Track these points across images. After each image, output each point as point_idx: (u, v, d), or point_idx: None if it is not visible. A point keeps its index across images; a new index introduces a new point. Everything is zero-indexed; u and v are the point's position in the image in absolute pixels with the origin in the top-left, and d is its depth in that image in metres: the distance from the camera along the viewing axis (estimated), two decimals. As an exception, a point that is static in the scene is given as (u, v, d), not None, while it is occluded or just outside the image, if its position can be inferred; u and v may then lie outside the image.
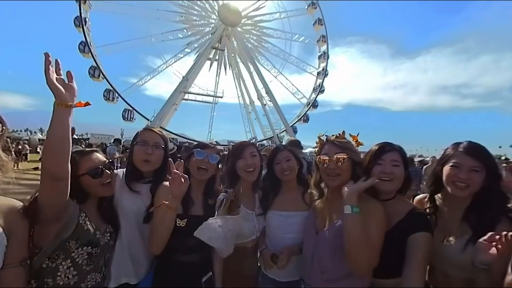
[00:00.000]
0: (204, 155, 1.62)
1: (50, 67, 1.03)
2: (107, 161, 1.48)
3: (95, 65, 20.30)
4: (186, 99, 26.78)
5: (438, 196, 1.44)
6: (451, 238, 1.30)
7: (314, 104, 26.00)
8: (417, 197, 1.64)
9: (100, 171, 1.40)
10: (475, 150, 1.29)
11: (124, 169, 1.66)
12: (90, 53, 20.00)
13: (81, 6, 19.63)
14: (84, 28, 19.76)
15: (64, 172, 1.08)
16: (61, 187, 1.11)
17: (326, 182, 1.48)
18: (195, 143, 2.19)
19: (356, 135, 1.52)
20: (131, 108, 21.30)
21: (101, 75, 20.40)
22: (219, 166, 1.73)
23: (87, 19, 20.40)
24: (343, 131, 1.51)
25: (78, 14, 19.72)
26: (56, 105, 1.04)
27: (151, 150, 1.58)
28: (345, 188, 1.31)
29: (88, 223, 1.33)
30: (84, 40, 19.91)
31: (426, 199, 1.51)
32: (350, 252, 1.22)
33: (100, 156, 1.46)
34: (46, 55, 1.02)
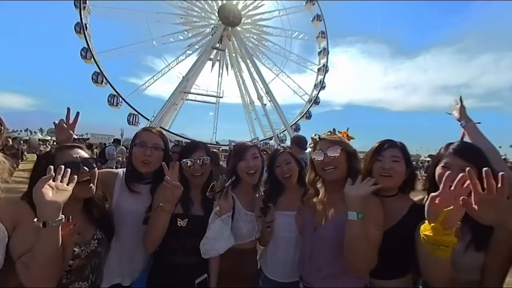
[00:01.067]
0: (191, 162, 1.58)
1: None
2: (90, 158, 1.31)
3: (98, 71, 20.18)
4: (187, 99, 26.68)
5: None
6: None
7: (316, 101, 25.83)
8: (414, 199, 1.63)
9: (76, 167, 1.21)
10: (465, 150, 1.27)
11: (124, 169, 1.65)
12: (92, 59, 19.90)
13: (81, 12, 19.52)
14: (86, 34, 19.67)
15: None
16: None
17: (324, 177, 1.48)
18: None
19: (345, 131, 1.57)
20: (135, 113, 21.18)
21: (104, 80, 20.28)
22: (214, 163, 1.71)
23: (87, 25, 20.32)
24: (333, 128, 1.55)
25: (79, 20, 19.60)
26: None
27: (150, 152, 1.56)
28: (347, 191, 1.29)
29: None
30: (86, 46, 19.83)
31: (424, 201, 1.50)
32: (355, 257, 1.21)
33: (81, 152, 1.29)
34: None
